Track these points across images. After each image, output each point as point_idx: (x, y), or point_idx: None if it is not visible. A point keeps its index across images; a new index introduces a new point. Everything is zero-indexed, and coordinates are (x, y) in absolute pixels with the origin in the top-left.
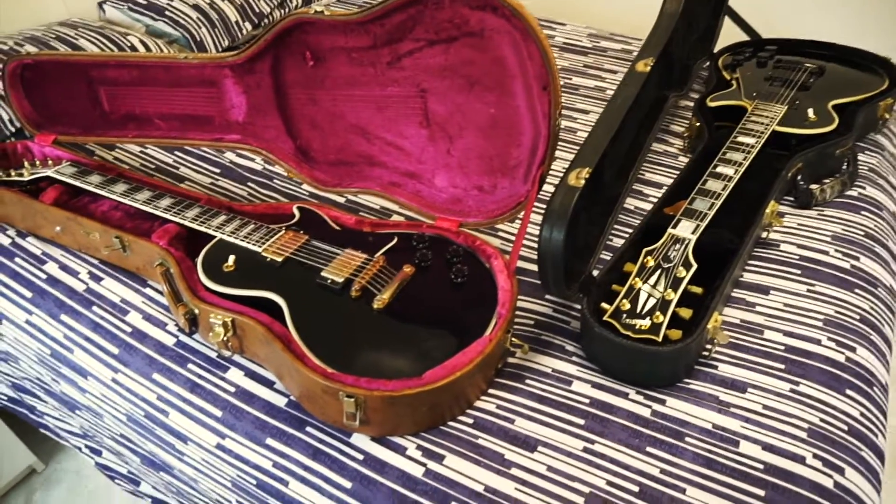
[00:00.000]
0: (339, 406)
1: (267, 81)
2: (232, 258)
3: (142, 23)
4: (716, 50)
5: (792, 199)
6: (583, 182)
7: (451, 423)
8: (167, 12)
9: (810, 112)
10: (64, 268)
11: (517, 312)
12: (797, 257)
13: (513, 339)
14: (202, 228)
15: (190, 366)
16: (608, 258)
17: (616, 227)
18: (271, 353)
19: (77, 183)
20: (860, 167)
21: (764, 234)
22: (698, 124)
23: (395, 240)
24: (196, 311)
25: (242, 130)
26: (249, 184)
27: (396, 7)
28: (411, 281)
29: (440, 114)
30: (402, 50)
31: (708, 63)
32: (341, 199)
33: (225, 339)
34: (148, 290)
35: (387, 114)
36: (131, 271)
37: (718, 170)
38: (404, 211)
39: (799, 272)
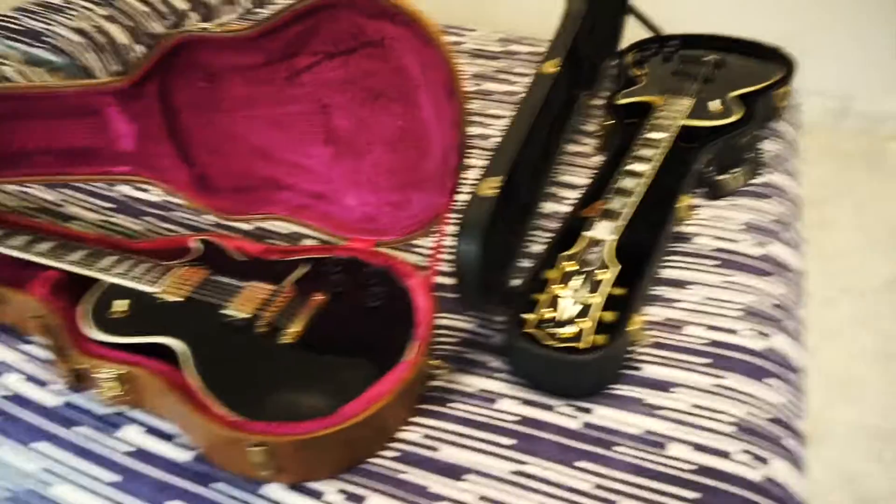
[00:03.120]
0: (248, 456)
1: (156, 107)
2: (123, 303)
3: (18, 51)
4: (623, 48)
5: (704, 190)
6: (495, 192)
7: (373, 460)
8: (46, 38)
9: (715, 104)
10: None
11: (439, 331)
12: (712, 248)
13: (432, 360)
14: (87, 272)
15: (77, 428)
16: (532, 265)
17: (535, 233)
18: (171, 405)
19: None
20: (765, 154)
21: (679, 228)
22: (609, 123)
23: (306, 266)
24: (83, 366)
25: (133, 161)
26: (146, 218)
27: (288, 21)
28: (323, 309)
29: (345, 129)
30: (300, 65)
31: (616, 61)
32: (249, 227)
33: (117, 394)
34: (29, 347)
35: (289, 133)
36: (8, 326)
37: (632, 167)
38: (318, 234)
39: (715, 263)
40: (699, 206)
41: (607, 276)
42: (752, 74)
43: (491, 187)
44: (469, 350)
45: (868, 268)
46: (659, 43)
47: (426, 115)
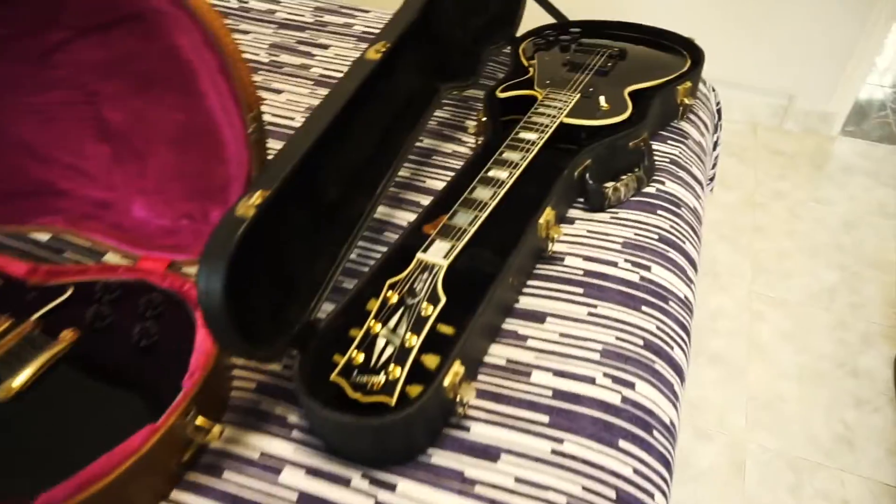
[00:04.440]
0: None
1: None
2: None
3: None
4: (521, 34)
5: (583, 201)
6: (253, 210)
7: None
8: None
9: (602, 100)
10: None
11: (237, 373)
12: (582, 272)
13: (197, 422)
14: None
15: None
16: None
17: (376, 249)
18: None
19: None
20: (661, 159)
21: (549, 248)
22: (484, 119)
23: (70, 292)
24: None
25: None
26: None
27: None
28: (72, 352)
29: (119, 124)
30: (50, 41)
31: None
32: (45, 238)
33: None
34: None
35: (56, 127)
36: None
37: (490, 174)
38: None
39: (581, 291)
40: (578, 220)
41: (432, 310)
42: (654, 68)
43: (250, 205)
44: (266, 400)
45: (799, 278)
46: (558, 30)
47: (212, 107)
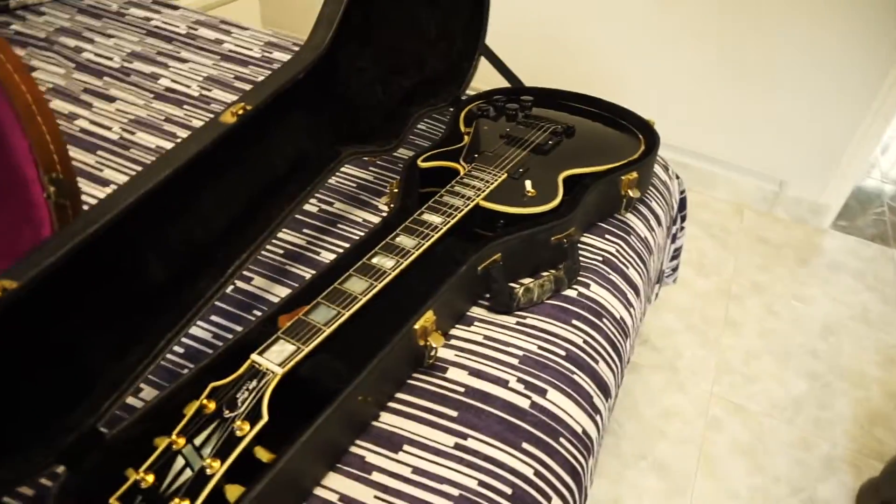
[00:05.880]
0: None
1: None
2: None
3: None
4: (471, 96)
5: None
6: None
7: None
8: None
9: (528, 184)
10: None
11: None
12: (462, 390)
13: None
14: None
15: None
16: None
17: (237, 330)
18: None
19: None
20: (593, 257)
21: (427, 357)
22: (395, 191)
23: None
24: None
25: None
26: None
27: None
28: None
29: None
30: None
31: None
32: None
33: None
34: None
35: None
36: None
37: (374, 261)
38: None
39: (455, 414)
40: (478, 321)
41: (248, 430)
42: (601, 151)
43: None
44: None
45: (765, 383)
46: (509, 96)
47: (20, 164)
